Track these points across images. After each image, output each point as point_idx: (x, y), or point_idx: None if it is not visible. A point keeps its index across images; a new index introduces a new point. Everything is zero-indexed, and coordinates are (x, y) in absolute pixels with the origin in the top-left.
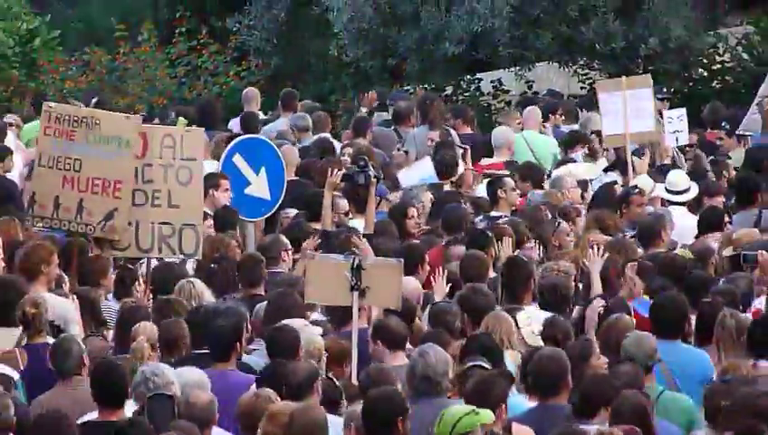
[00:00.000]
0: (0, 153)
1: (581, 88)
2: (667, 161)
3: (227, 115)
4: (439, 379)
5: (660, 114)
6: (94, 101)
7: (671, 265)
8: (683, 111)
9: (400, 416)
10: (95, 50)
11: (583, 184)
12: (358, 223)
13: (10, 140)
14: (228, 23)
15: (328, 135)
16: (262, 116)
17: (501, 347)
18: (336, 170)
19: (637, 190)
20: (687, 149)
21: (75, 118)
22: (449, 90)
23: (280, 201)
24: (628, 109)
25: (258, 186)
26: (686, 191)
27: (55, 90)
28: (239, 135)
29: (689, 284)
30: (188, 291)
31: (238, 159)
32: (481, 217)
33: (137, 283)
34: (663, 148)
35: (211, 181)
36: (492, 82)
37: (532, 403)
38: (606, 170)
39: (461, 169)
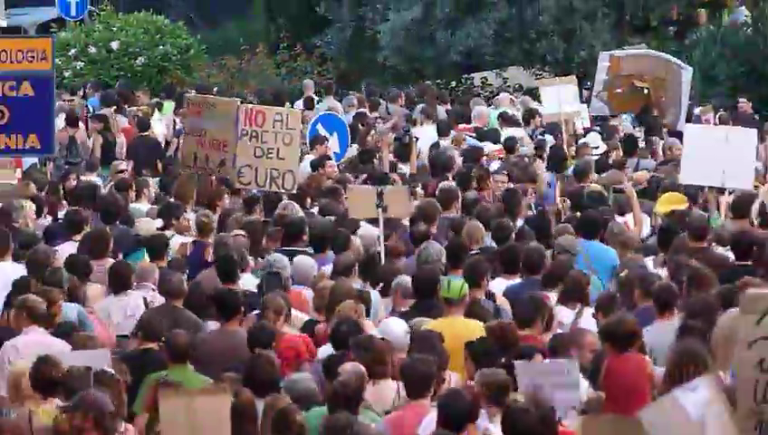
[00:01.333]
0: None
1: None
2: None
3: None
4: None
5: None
6: (215, 90)
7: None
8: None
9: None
10: (228, 57)
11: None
12: (404, 167)
13: (156, 116)
14: (314, 39)
15: (365, 110)
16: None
17: None
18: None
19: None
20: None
21: (202, 102)
22: (453, 84)
23: (347, 152)
24: (561, 96)
25: (333, 144)
26: (596, 147)
27: (202, 83)
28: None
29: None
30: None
31: (320, 127)
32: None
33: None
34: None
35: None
36: (481, 79)
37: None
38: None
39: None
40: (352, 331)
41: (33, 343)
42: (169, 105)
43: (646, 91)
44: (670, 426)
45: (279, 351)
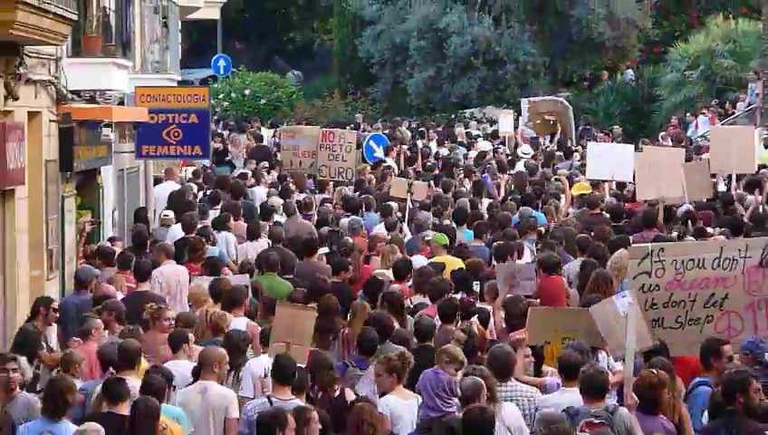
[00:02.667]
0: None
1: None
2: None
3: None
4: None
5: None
6: (304, 121)
7: None
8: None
9: None
10: (315, 100)
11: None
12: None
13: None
14: (368, 89)
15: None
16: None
17: None
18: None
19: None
20: None
21: (294, 130)
22: (453, 116)
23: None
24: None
25: (380, 154)
26: (527, 154)
27: (299, 116)
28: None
29: None
30: None
31: (372, 142)
32: None
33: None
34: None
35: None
36: (469, 113)
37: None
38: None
39: None
40: None
41: (168, 271)
42: (267, 130)
43: (552, 122)
44: (608, 316)
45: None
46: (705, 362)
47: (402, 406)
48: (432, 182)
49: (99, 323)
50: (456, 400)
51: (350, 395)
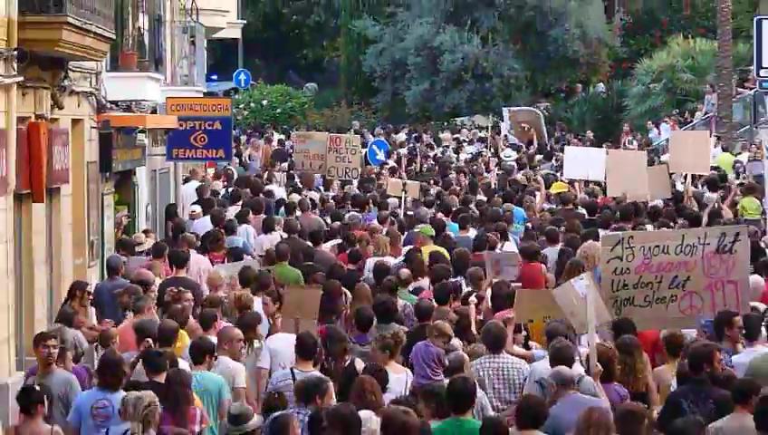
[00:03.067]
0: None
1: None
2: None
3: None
4: None
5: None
6: (314, 129)
7: None
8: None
9: None
10: (325, 110)
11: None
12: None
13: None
14: (371, 100)
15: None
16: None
17: None
18: None
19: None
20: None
21: (305, 135)
22: (446, 123)
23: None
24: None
25: (381, 156)
26: (510, 157)
27: (311, 123)
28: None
29: None
30: None
31: (374, 146)
32: None
33: None
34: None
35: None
36: (460, 120)
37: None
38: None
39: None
40: None
41: (191, 260)
42: (279, 135)
43: (527, 128)
44: (570, 298)
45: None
46: (719, 332)
47: (394, 379)
48: (432, 181)
49: (150, 303)
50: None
51: (359, 365)
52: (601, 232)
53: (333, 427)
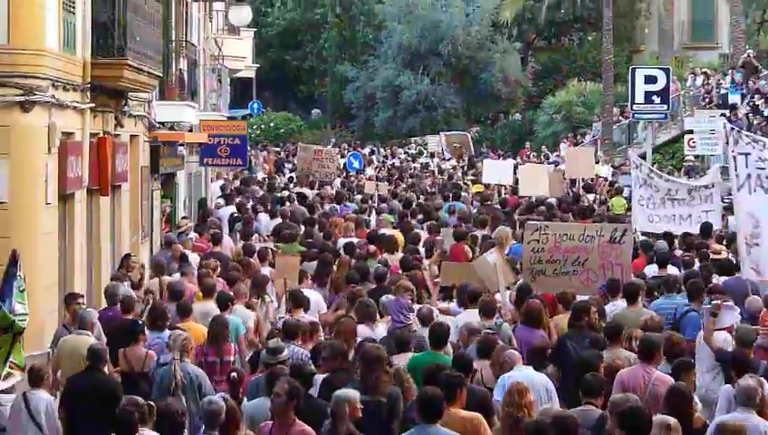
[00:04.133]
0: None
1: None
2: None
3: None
4: None
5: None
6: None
7: None
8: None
9: None
10: (315, 131)
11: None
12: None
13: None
14: (350, 123)
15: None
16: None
17: None
18: None
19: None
20: None
21: (304, 147)
22: (403, 142)
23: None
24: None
25: (357, 165)
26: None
27: (303, 140)
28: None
29: None
30: None
31: (352, 158)
32: None
33: None
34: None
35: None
36: (414, 140)
37: None
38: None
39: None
40: None
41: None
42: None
43: (458, 147)
44: (485, 267)
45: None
46: (697, 295)
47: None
48: (397, 182)
49: (192, 270)
50: (414, 317)
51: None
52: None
53: (332, 357)
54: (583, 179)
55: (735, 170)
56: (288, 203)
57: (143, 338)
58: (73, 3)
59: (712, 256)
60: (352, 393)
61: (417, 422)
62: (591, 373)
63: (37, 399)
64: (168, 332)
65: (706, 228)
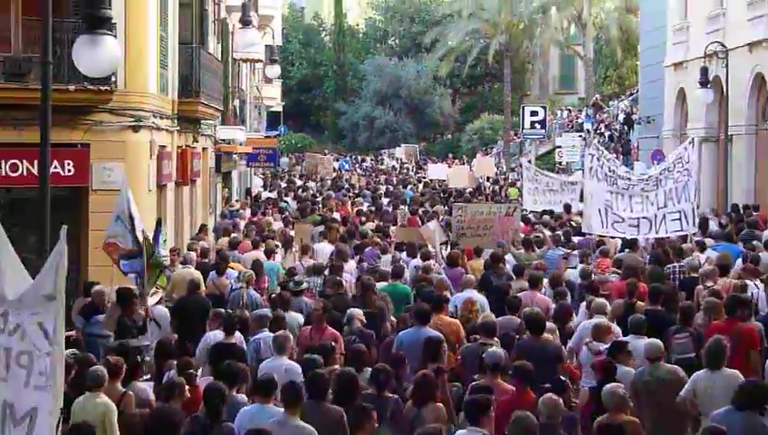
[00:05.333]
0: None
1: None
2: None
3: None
4: None
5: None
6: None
7: None
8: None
9: None
10: (319, 145)
11: None
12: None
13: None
14: (342, 142)
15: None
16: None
17: None
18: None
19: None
20: None
21: (311, 155)
22: (375, 154)
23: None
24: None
25: (347, 167)
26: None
27: (312, 152)
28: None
29: None
30: None
31: (343, 163)
32: None
33: None
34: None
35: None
36: (383, 151)
37: None
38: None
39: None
40: None
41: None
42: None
43: (410, 155)
44: (429, 232)
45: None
46: (630, 246)
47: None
48: (371, 178)
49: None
50: (381, 260)
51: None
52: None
53: (332, 286)
54: (488, 178)
55: (590, 163)
56: (302, 191)
57: (224, 271)
58: (166, 62)
59: (572, 223)
60: (357, 310)
61: (414, 325)
62: (513, 296)
63: (158, 311)
64: (234, 271)
65: (568, 207)
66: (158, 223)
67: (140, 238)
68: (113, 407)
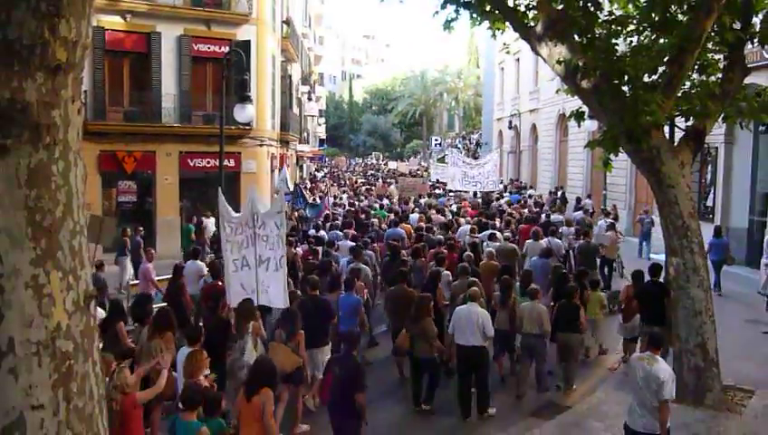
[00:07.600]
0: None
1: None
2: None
3: None
4: None
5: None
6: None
7: None
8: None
9: None
10: (340, 155)
11: None
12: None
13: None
14: (351, 150)
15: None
16: None
17: None
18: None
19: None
20: None
21: (336, 159)
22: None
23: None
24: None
25: (352, 167)
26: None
27: (338, 156)
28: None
29: None
30: None
31: (351, 162)
32: None
33: None
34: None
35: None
36: (375, 156)
37: None
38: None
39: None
40: None
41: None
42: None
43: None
44: (392, 189)
45: None
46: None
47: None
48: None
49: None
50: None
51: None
52: (400, 177)
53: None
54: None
55: (453, 157)
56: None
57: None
58: (274, 115)
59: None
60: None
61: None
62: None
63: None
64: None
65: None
66: (296, 185)
67: (292, 187)
68: None
